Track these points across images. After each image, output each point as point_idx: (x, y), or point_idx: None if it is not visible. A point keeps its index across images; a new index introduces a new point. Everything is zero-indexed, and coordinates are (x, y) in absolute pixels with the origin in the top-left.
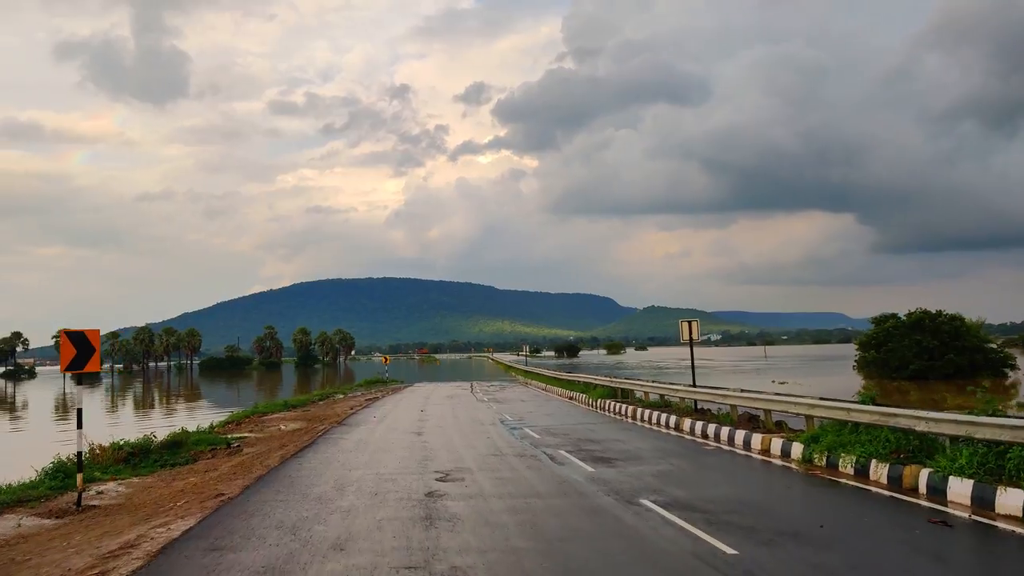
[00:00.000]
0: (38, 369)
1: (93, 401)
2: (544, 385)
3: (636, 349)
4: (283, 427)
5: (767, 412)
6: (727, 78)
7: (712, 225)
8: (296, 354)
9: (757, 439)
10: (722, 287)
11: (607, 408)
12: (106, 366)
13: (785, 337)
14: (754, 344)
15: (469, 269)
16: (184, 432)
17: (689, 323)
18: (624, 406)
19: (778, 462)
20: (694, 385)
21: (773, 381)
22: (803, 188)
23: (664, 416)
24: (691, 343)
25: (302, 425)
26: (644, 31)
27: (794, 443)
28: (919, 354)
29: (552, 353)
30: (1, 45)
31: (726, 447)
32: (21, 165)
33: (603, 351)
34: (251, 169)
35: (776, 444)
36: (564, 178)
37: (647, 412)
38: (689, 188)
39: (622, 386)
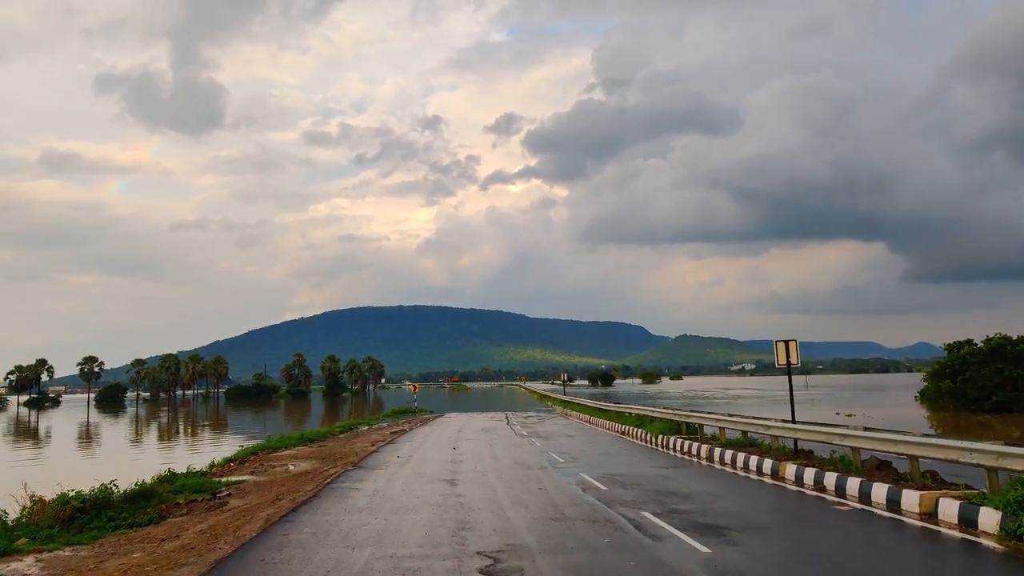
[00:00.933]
0: (66, 397)
1: (109, 431)
2: (588, 417)
3: (671, 378)
4: (291, 468)
5: (913, 459)
6: (757, 108)
7: (743, 254)
8: (324, 382)
9: (911, 497)
10: (754, 316)
11: (671, 446)
12: (131, 394)
13: (820, 367)
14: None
15: (499, 297)
16: (157, 480)
17: (786, 344)
18: (693, 444)
19: (957, 534)
20: (794, 420)
21: (838, 413)
22: (834, 217)
23: (753, 459)
24: (788, 368)
25: (313, 466)
26: (674, 62)
27: (982, 508)
28: (1001, 384)
29: (586, 382)
30: (44, 77)
31: (861, 505)
32: (59, 195)
33: (638, 380)
34: (284, 198)
35: (948, 507)
36: (594, 207)
37: (726, 453)
38: (720, 217)
39: (688, 420)
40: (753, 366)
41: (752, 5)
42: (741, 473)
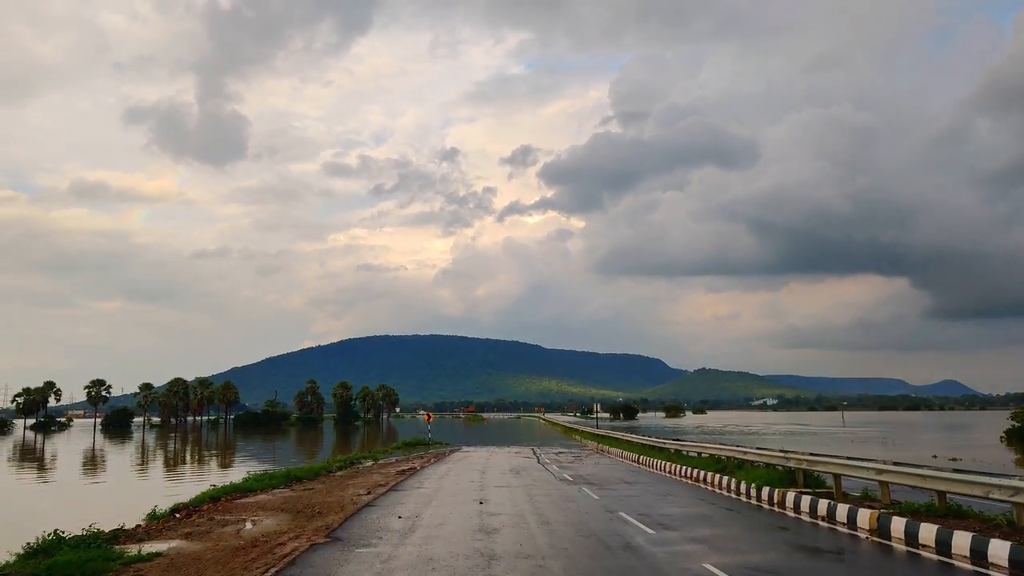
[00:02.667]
0: (78, 421)
1: (105, 458)
2: (635, 456)
3: (694, 412)
4: (247, 527)
5: None
6: (775, 141)
7: (761, 287)
8: (336, 410)
9: None
10: (772, 350)
11: (797, 507)
12: (139, 419)
13: (846, 403)
14: (815, 409)
15: (515, 328)
16: (21, 558)
17: None
18: (837, 507)
19: None
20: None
21: (935, 455)
22: (854, 251)
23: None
24: None
25: (277, 525)
26: (690, 95)
27: None
28: None
29: (607, 414)
30: (76, 109)
31: None
32: (86, 223)
33: (660, 413)
34: (304, 228)
35: None
36: (611, 239)
37: (920, 527)
38: (737, 250)
39: (812, 467)
40: (775, 401)
41: (769, 39)
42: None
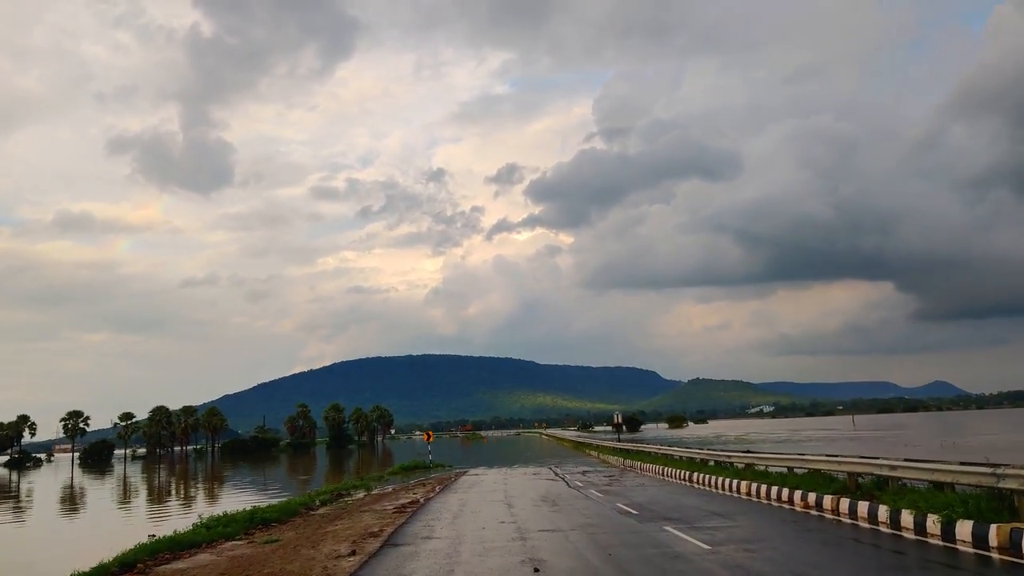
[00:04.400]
0: (60, 456)
1: (74, 495)
2: (683, 473)
3: (696, 423)
4: None
5: None
6: (758, 152)
7: (750, 296)
8: (328, 434)
9: None
10: (764, 358)
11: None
12: (120, 452)
13: (841, 407)
14: (812, 415)
15: (509, 344)
16: None
17: None
18: None
19: None
20: None
21: (987, 458)
22: (839, 257)
23: None
24: None
25: None
26: (673, 110)
27: None
28: None
29: (609, 427)
30: (58, 140)
31: None
32: (72, 255)
33: (663, 424)
34: (293, 252)
35: None
36: (600, 253)
37: None
38: (725, 261)
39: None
40: (771, 408)
41: (749, 52)
42: None
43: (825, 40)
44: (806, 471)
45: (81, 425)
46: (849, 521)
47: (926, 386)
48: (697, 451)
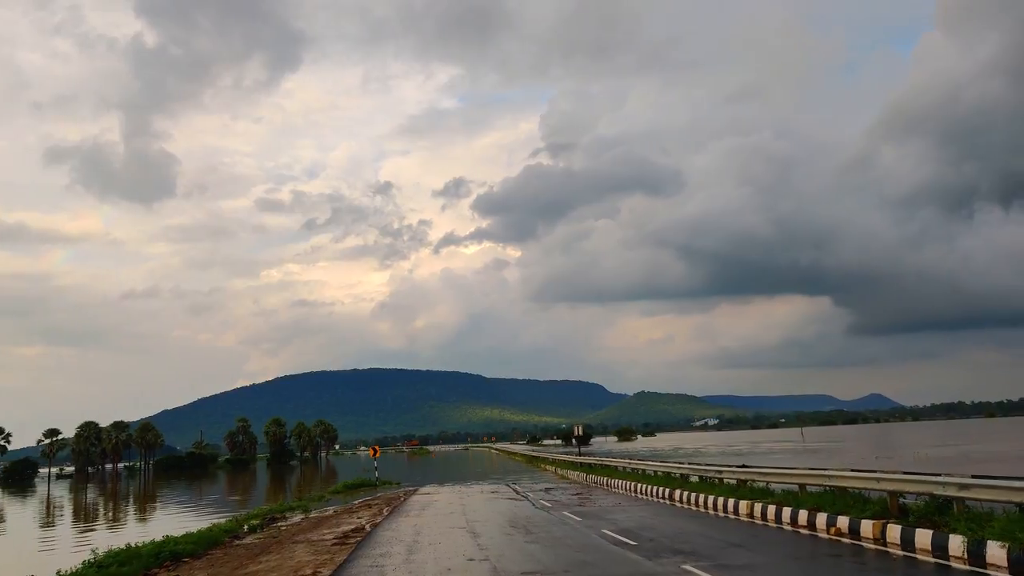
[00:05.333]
0: None
1: None
2: (663, 491)
3: (644, 435)
4: None
5: None
6: (700, 169)
7: (694, 311)
8: (269, 449)
9: None
10: (707, 371)
11: None
12: (44, 470)
13: (783, 420)
14: (756, 427)
15: (456, 358)
16: None
17: None
18: None
19: None
20: None
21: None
22: (779, 272)
23: None
24: None
25: None
26: (617, 127)
27: None
28: None
29: (559, 441)
30: None
31: None
32: (5, 266)
33: (612, 438)
34: (237, 265)
35: None
36: (546, 267)
37: None
38: (668, 275)
39: None
40: (716, 421)
41: (690, 71)
42: None
43: (764, 62)
44: (824, 489)
45: (0, 442)
46: (903, 553)
47: (863, 399)
48: (676, 465)
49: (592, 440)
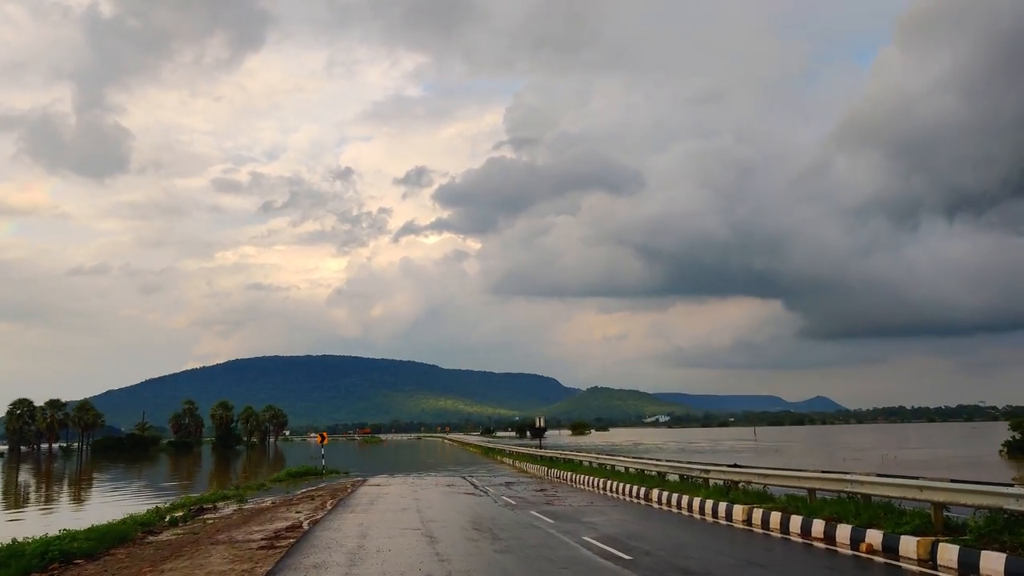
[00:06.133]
0: None
1: None
2: (636, 490)
3: (597, 430)
4: None
5: None
6: (661, 170)
7: (650, 309)
8: (215, 433)
9: None
10: (660, 370)
11: None
12: None
13: (732, 419)
14: (708, 425)
15: (412, 348)
16: None
17: None
18: None
19: None
20: None
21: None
22: (733, 274)
23: None
24: None
25: None
26: (580, 124)
27: None
28: None
29: (513, 433)
30: None
31: None
32: None
33: (566, 431)
34: (190, 245)
35: None
36: (506, 260)
37: None
38: (626, 273)
39: None
40: (667, 418)
41: (655, 73)
42: None
43: (727, 66)
44: (839, 496)
45: None
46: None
47: (808, 401)
48: (652, 462)
49: (546, 433)
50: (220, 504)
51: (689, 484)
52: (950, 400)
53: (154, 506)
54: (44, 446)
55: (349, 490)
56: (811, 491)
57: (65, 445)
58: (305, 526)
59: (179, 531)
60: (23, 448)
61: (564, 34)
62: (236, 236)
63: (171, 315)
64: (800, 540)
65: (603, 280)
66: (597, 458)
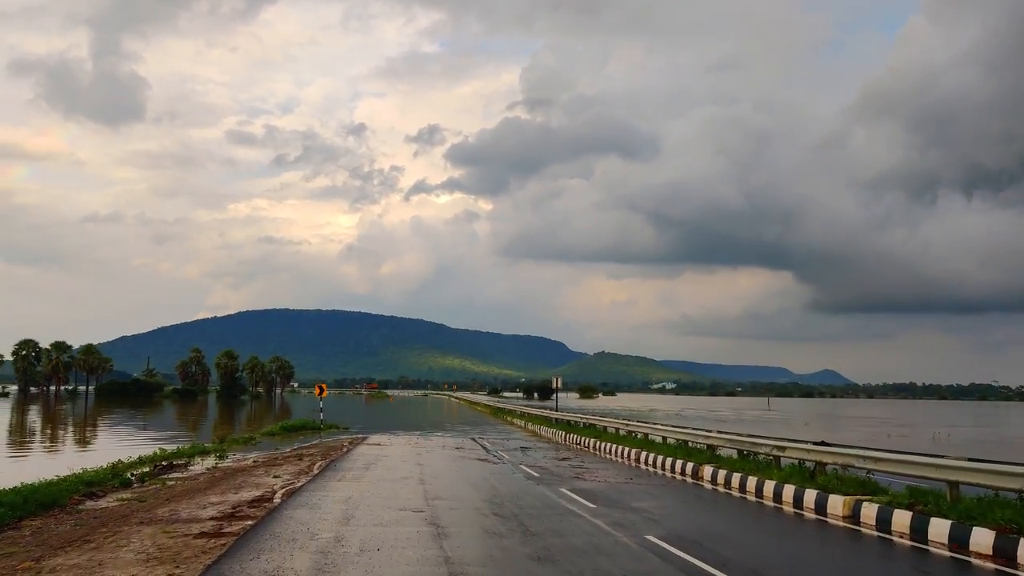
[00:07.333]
0: None
1: None
2: (675, 463)
3: (604, 394)
4: None
5: None
6: (676, 136)
7: (659, 276)
8: (219, 382)
9: None
10: (668, 337)
11: None
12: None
13: (740, 388)
14: (715, 394)
15: (421, 306)
16: None
17: None
18: None
19: None
20: None
21: None
22: (746, 245)
23: None
24: None
25: None
26: (597, 87)
27: None
28: None
29: (520, 394)
30: None
31: None
32: None
33: (574, 394)
34: (204, 196)
35: None
36: (516, 223)
37: None
38: (637, 239)
39: None
40: (674, 385)
41: (676, 37)
42: None
43: (748, 33)
44: (996, 494)
45: None
46: None
47: (816, 373)
48: (702, 434)
49: (553, 396)
50: (196, 459)
51: (751, 462)
52: (962, 378)
53: (116, 460)
54: (52, 388)
55: (344, 449)
56: (952, 484)
57: (71, 388)
58: (276, 499)
59: (126, 495)
60: (32, 389)
61: None
62: (249, 188)
63: (183, 265)
64: (941, 552)
65: (614, 246)
66: (627, 424)
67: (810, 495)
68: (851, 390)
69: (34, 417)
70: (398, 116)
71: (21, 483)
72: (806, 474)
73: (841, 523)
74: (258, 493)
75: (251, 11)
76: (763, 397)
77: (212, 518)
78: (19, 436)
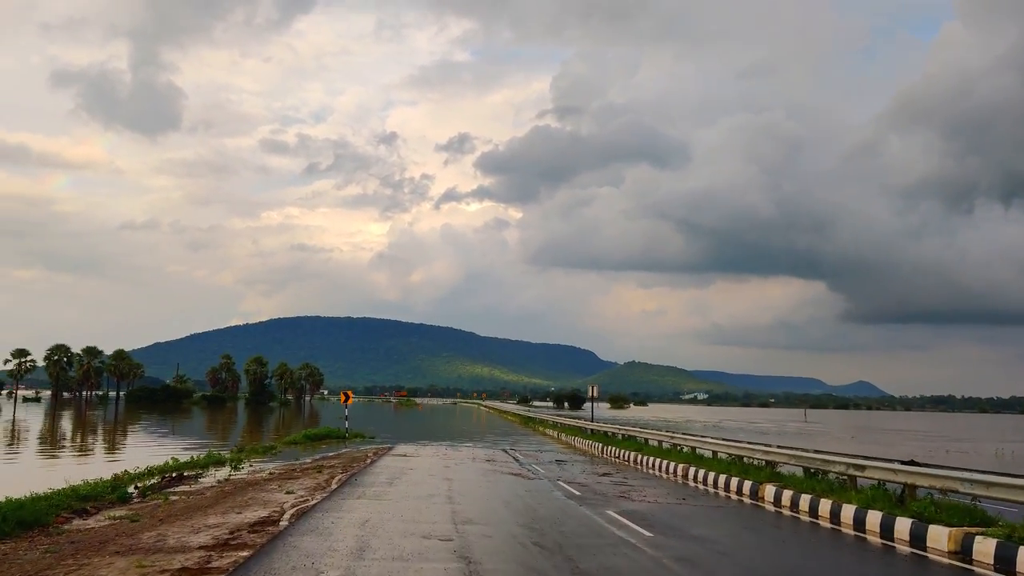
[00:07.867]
0: None
1: None
2: (741, 483)
3: (636, 404)
4: None
5: None
6: (707, 144)
7: (689, 285)
8: (248, 389)
9: None
10: (697, 347)
11: None
12: (26, 392)
13: (773, 400)
14: (748, 405)
15: (450, 314)
16: None
17: None
18: None
19: None
20: None
21: None
22: (777, 253)
23: None
24: None
25: None
26: (627, 95)
27: None
28: None
29: (551, 403)
30: None
31: None
32: (5, 187)
33: (605, 404)
34: (238, 204)
35: None
36: (546, 231)
37: None
38: (667, 248)
39: None
40: (706, 395)
41: (706, 44)
42: None
43: (780, 39)
44: None
45: None
46: None
47: (850, 385)
48: (761, 448)
49: (584, 405)
50: (208, 470)
51: (821, 482)
52: (1002, 391)
53: (123, 471)
54: (84, 393)
55: (368, 460)
56: None
57: (101, 393)
58: (283, 521)
59: (120, 513)
60: (65, 394)
61: (614, 2)
62: (281, 196)
63: (217, 272)
64: None
65: (643, 254)
66: (671, 437)
67: (902, 524)
68: (887, 402)
69: (59, 422)
70: (429, 125)
71: (6, 498)
72: (892, 498)
73: (946, 559)
74: (264, 513)
75: (285, 21)
76: (797, 408)
77: (202, 547)
78: (41, 442)
